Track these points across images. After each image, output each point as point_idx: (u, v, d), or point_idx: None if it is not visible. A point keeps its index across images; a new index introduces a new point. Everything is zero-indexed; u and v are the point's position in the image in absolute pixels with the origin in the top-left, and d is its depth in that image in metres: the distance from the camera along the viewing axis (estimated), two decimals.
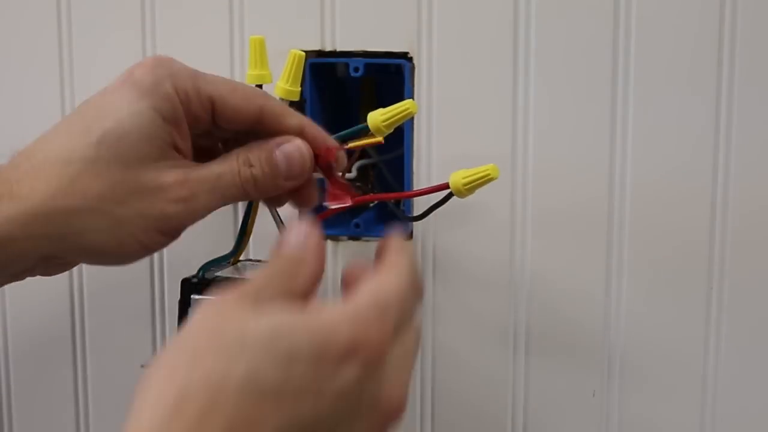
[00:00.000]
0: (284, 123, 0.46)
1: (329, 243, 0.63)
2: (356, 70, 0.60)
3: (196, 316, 0.37)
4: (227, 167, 0.45)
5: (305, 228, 0.39)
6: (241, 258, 0.53)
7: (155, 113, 0.43)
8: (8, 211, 0.42)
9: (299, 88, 0.48)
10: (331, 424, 0.36)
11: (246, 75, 0.50)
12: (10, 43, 0.65)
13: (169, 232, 0.45)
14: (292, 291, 0.37)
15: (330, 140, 0.47)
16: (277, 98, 0.46)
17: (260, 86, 0.50)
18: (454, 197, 0.52)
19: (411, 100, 0.48)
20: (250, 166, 0.45)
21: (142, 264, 0.65)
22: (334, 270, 0.63)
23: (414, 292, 0.39)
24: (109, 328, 0.66)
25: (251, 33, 0.61)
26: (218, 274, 0.50)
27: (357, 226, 0.61)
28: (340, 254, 0.63)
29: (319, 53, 0.61)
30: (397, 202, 0.62)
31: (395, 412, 0.38)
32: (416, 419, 0.64)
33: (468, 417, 0.63)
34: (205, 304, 0.37)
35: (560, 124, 0.60)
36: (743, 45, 0.57)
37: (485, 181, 0.50)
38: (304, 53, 0.48)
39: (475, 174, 0.50)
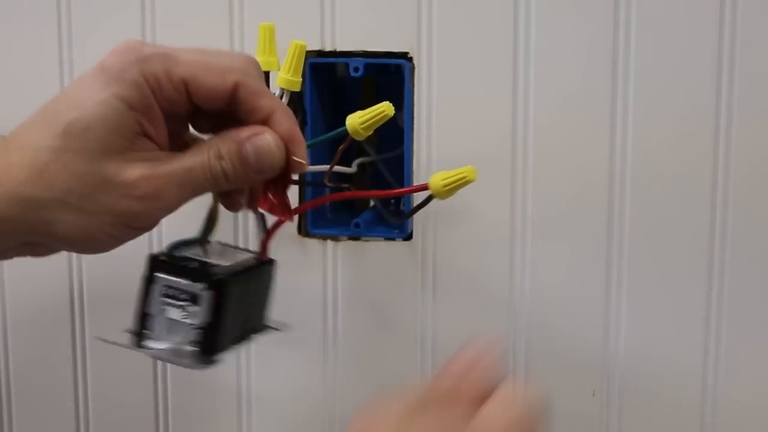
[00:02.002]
0: (257, 103, 0.44)
1: (329, 243, 0.63)
2: (356, 70, 0.60)
3: None
4: (198, 161, 0.44)
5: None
6: (210, 240, 0.52)
7: (120, 102, 0.42)
8: None
9: (300, 79, 0.48)
10: None
11: None
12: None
13: (139, 226, 0.44)
14: None
15: (296, 130, 0.45)
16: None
17: (267, 73, 0.50)
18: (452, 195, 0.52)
19: (388, 102, 0.48)
20: (221, 158, 0.44)
21: (141, 252, 0.64)
22: (333, 271, 0.63)
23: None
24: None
25: (252, 33, 0.62)
26: (186, 254, 0.49)
27: (357, 226, 0.61)
28: (340, 254, 0.63)
29: (319, 53, 0.61)
30: (397, 201, 0.62)
31: None
32: None
33: None
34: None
35: (560, 125, 0.60)
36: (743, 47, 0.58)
37: (462, 183, 0.49)
38: (305, 43, 0.48)
39: (453, 176, 0.49)
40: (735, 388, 0.60)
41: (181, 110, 0.45)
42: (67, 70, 0.65)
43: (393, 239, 0.62)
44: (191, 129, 0.47)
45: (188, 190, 0.44)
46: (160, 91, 0.43)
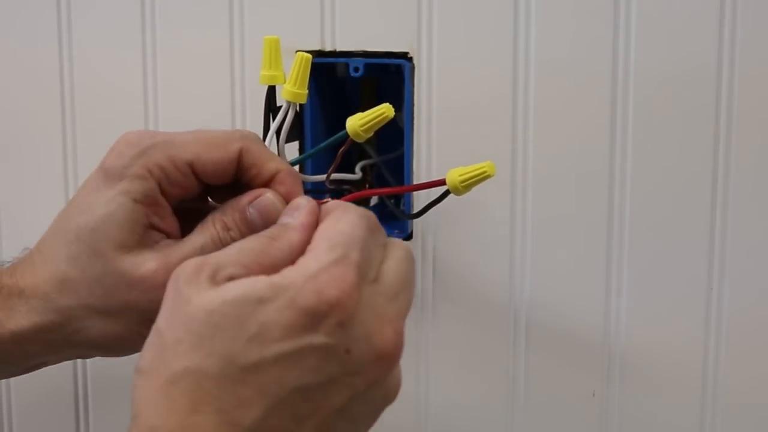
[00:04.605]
0: (263, 166, 0.44)
1: None
2: (356, 70, 0.60)
3: (164, 305, 0.37)
4: (207, 237, 0.43)
5: (300, 206, 0.41)
6: None
7: (125, 197, 0.43)
8: (20, 313, 0.44)
9: (306, 91, 0.48)
10: (326, 386, 0.36)
11: (259, 75, 0.50)
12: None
13: None
14: (260, 264, 0.38)
15: (298, 191, 0.45)
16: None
17: (273, 87, 0.50)
18: (451, 195, 0.52)
19: (388, 104, 0.48)
20: (228, 229, 0.43)
21: None
22: None
23: (367, 224, 0.39)
24: None
25: (252, 33, 0.62)
26: None
27: None
28: None
29: (319, 53, 0.61)
30: (397, 201, 0.62)
31: (393, 351, 0.38)
32: (412, 417, 0.64)
33: (467, 416, 0.63)
34: (169, 289, 0.38)
35: (560, 124, 0.60)
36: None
37: (482, 178, 0.49)
38: (311, 56, 0.48)
39: (471, 171, 0.49)
40: (735, 389, 0.61)
41: (191, 193, 0.45)
42: (67, 69, 0.65)
43: None
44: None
45: None
46: (167, 180, 0.44)
